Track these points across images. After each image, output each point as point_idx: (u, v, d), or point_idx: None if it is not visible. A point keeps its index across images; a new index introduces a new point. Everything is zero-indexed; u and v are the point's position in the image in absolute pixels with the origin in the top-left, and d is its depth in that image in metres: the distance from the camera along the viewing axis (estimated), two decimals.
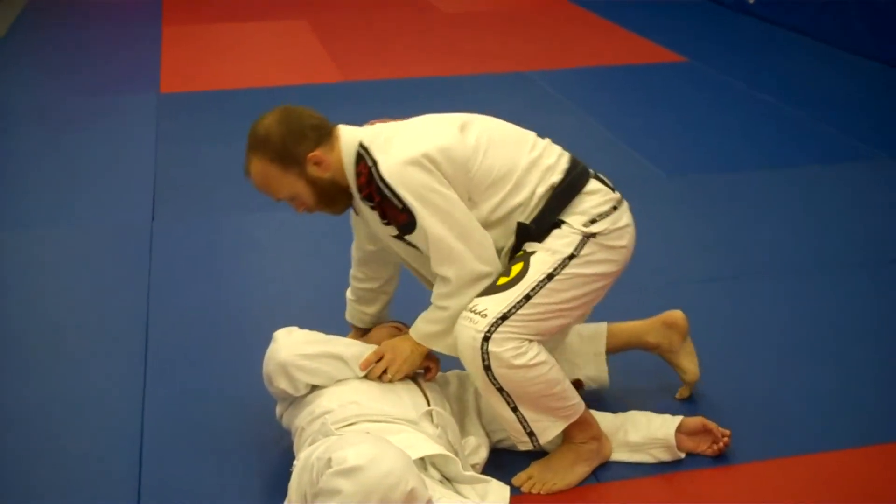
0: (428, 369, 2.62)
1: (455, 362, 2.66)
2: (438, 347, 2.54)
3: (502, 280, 2.41)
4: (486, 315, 2.35)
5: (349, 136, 2.49)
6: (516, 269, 2.42)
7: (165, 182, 4.57)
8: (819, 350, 3.22)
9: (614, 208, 2.52)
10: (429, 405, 2.49)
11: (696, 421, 2.64)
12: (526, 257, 2.44)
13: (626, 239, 2.53)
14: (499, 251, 2.50)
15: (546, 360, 2.41)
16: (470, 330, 2.36)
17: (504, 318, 2.36)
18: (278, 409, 2.64)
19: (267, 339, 2.88)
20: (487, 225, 2.47)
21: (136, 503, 2.49)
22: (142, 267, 3.72)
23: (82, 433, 2.78)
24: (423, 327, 2.54)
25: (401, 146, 2.41)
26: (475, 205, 2.45)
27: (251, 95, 5.91)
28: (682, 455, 2.62)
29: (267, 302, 3.55)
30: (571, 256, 2.43)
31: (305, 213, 2.59)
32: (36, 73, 6.40)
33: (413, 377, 2.65)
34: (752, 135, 5.32)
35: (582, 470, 2.54)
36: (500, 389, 2.39)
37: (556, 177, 2.49)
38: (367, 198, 2.44)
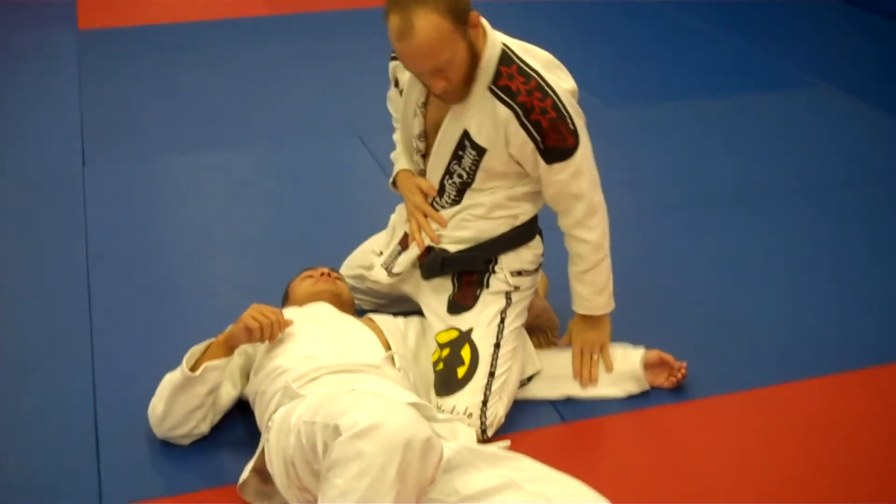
0: None
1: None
2: (610, 307, 2.64)
3: (461, 371, 2.48)
4: (471, 414, 2.44)
5: (493, 33, 2.40)
6: (466, 354, 2.50)
7: (93, 124, 4.38)
8: (771, 279, 3.24)
9: (536, 269, 2.68)
10: (388, 349, 2.45)
11: (653, 354, 2.65)
12: (467, 338, 2.52)
13: (532, 292, 2.70)
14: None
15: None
16: (470, 431, 2.38)
17: (485, 402, 2.46)
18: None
19: (213, 283, 2.77)
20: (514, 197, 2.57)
21: (97, 482, 2.39)
22: (76, 214, 3.57)
23: (32, 394, 2.66)
24: (601, 298, 2.60)
25: (554, 74, 2.42)
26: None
27: (172, 31, 5.72)
28: (649, 386, 2.63)
29: (209, 245, 3.45)
30: (502, 320, 2.57)
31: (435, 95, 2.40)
32: None
33: (368, 318, 2.62)
34: (688, 63, 5.31)
35: None
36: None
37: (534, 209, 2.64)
38: (525, 108, 2.34)
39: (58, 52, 5.31)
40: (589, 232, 2.51)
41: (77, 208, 3.61)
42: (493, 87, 2.36)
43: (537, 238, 2.67)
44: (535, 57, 2.42)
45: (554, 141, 2.37)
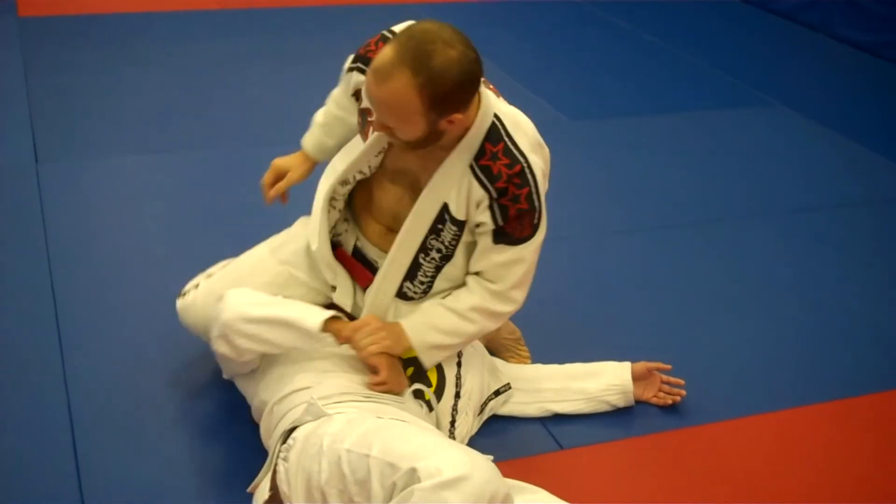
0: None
1: None
2: (428, 362, 2.36)
3: (427, 395, 2.37)
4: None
5: (486, 98, 2.17)
6: (433, 375, 2.40)
7: (43, 118, 4.19)
8: (738, 303, 3.25)
9: None
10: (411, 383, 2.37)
11: (639, 365, 2.66)
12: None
13: None
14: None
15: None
16: None
17: (452, 423, 2.40)
18: (226, 373, 2.46)
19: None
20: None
21: (77, 484, 2.29)
22: (34, 214, 3.41)
23: (4, 410, 2.53)
24: (432, 336, 2.33)
25: (538, 155, 2.23)
26: None
27: (118, 21, 5.53)
28: (634, 401, 2.65)
29: (176, 247, 3.32)
30: None
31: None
32: None
33: None
34: (644, 77, 5.33)
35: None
36: None
37: None
38: (501, 191, 2.16)
39: None
40: (483, 299, 2.31)
41: (34, 208, 3.45)
42: (474, 164, 2.18)
43: None
44: (525, 133, 2.23)
45: (512, 228, 2.22)
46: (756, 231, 3.73)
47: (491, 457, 2.05)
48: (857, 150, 4.53)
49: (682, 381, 2.68)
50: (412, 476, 1.81)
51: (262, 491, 2.09)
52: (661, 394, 2.67)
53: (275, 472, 2.08)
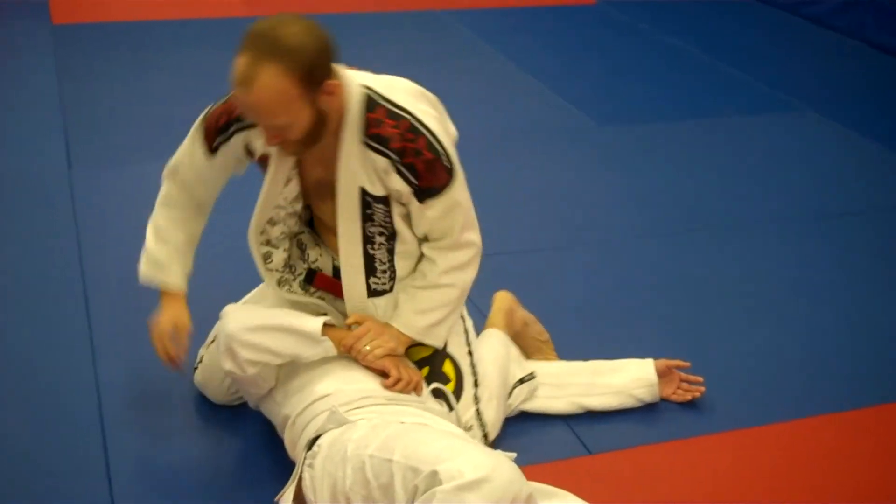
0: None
1: None
2: (435, 341, 2.39)
3: (450, 387, 2.41)
4: (471, 427, 2.42)
5: (348, 74, 2.19)
6: (449, 370, 2.43)
7: (76, 124, 4.26)
8: (772, 309, 3.24)
9: None
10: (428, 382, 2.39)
11: (660, 363, 2.69)
12: (443, 352, 2.44)
13: None
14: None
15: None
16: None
17: (478, 413, 2.43)
18: (251, 402, 2.47)
19: (212, 298, 2.72)
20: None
21: (108, 486, 2.32)
22: (67, 219, 3.46)
23: (37, 413, 2.58)
24: (421, 320, 2.35)
25: (422, 104, 2.26)
26: None
27: (149, 28, 5.60)
28: (660, 396, 2.68)
29: (204, 251, 3.32)
30: (464, 328, 2.52)
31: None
32: None
33: None
34: (670, 82, 5.33)
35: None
36: None
37: None
38: (399, 152, 2.17)
39: (33, 47, 5.16)
40: (444, 260, 2.33)
41: (67, 213, 3.51)
42: (366, 138, 2.18)
43: None
44: (401, 90, 2.26)
45: (427, 181, 2.22)
46: (782, 237, 3.71)
47: (514, 454, 2.07)
48: (887, 155, 4.50)
49: (700, 379, 2.71)
50: (434, 479, 1.82)
51: (287, 500, 2.11)
52: (680, 391, 2.71)
53: (300, 480, 2.09)
